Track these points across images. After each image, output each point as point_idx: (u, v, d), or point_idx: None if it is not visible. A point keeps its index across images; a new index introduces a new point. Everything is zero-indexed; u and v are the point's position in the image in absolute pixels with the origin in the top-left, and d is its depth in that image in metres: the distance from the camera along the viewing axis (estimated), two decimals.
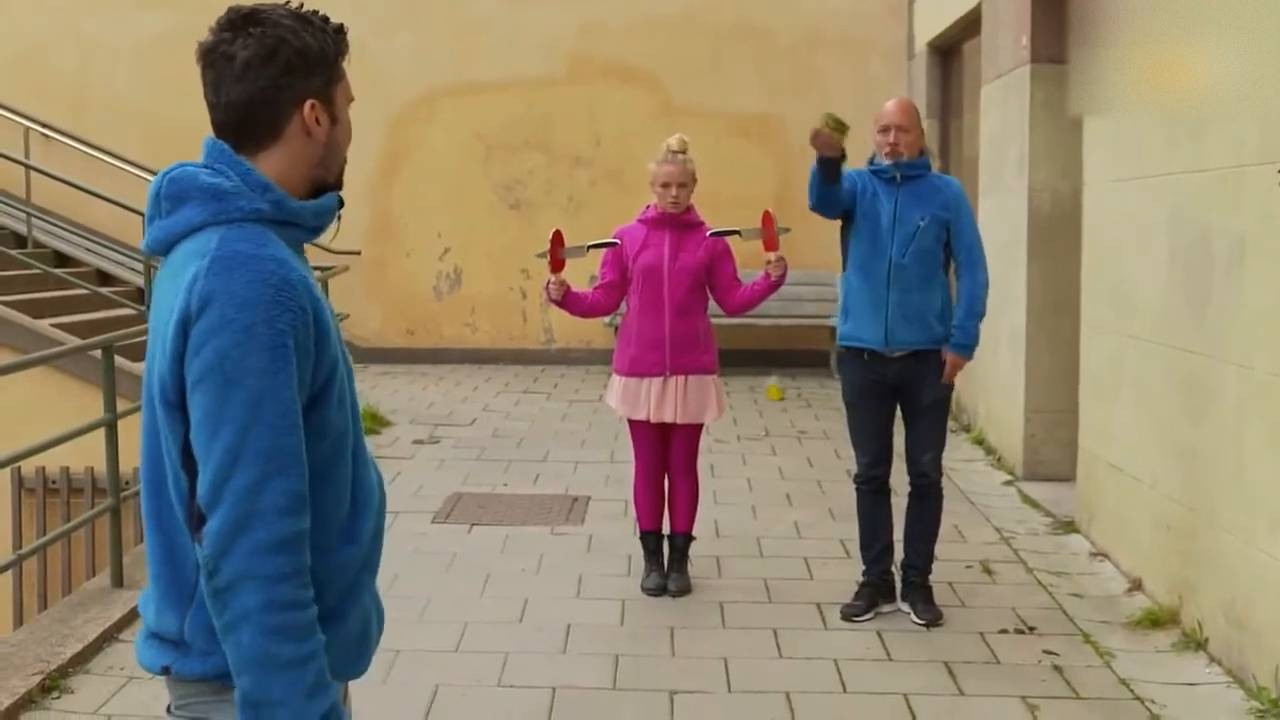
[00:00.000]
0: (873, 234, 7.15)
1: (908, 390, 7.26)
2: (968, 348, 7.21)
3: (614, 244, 7.71)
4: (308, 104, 2.79)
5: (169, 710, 2.84)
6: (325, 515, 2.73)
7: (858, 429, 7.44)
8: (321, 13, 2.84)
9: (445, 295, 17.45)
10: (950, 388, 7.36)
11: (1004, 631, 7.16)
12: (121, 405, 7.96)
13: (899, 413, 7.39)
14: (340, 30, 2.85)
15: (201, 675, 2.73)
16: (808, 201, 7.15)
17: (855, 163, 7.12)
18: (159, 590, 2.78)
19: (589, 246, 7.65)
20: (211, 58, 2.78)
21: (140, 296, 14.35)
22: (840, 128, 6.78)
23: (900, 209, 7.12)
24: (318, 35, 2.79)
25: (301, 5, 2.85)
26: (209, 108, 2.80)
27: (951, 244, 7.17)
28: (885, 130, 7.16)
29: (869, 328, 7.14)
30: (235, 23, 2.78)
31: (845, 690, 6.39)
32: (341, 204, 2.93)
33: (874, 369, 7.23)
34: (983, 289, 7.21)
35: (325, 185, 2.87)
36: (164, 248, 2.77)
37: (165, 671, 2.76)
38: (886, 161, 7.16)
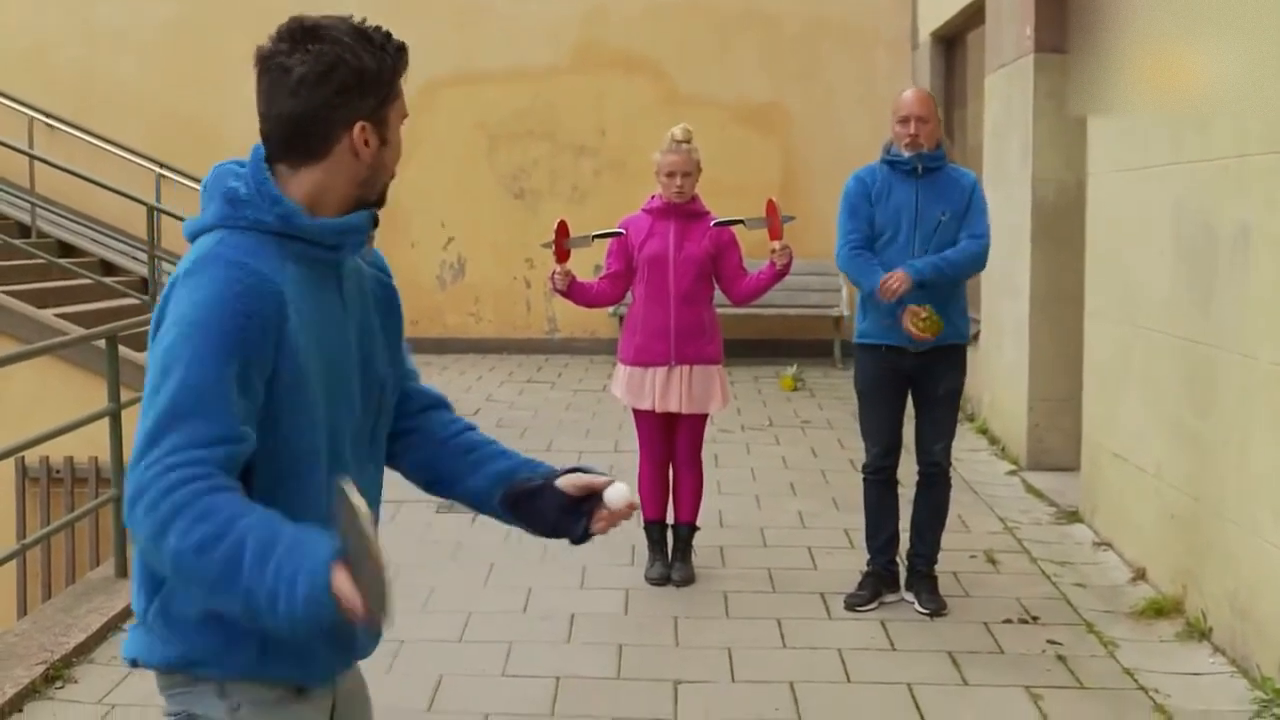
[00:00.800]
0: (894, 231, 7.11)
1: (923, 381, 7.23)
2: (917, 270, 6.96)
3: (619, 234, 7.70)
4: (358, 126, 2.76)
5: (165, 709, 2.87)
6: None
7: (870, 418, 7.40)
8: (384, 29, 2.80)
9: (449, 285, 17.44)
10: (963, 378, 7.34)
11: (1008, 621, 7.16)
12: (125, 395, 7.97)
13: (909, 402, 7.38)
14: (401, 49, 2.81)
15: (164, 663, 2.75)
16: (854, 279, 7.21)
17: (865, 155, 7.10)
18: (136, 571, 2.79)
19: (594, 236, 7.64)
20: (267, 66, 2.75)
21: (144, 286, 14.35)
22: (932, 327, 6.95)
23: (921, 204, 7.07)
24: (376, 55, 2.75)
25: (364, 20, 2.80)
26: (259, 115, 2.79)
27: (961, 229, 7.11)
28: (905, 121, 7.10)
29: (892, 326, 7.08)
30: (295, 35, 2.74)
31: (849, 680, 6.40)
32: (376, 222, 2.90)
33: (891, 360, 7.19)
34: (970, 256, 7.08)
35: (365, 203, 2.85)
36: (190, 239, 2.80)
37: (134, 664, 2.79)
38: (907, 153, 7.11)
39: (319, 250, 2.80)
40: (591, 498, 3.00)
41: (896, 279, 6.92)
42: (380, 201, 2.88)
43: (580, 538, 3.04)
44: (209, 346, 2.57)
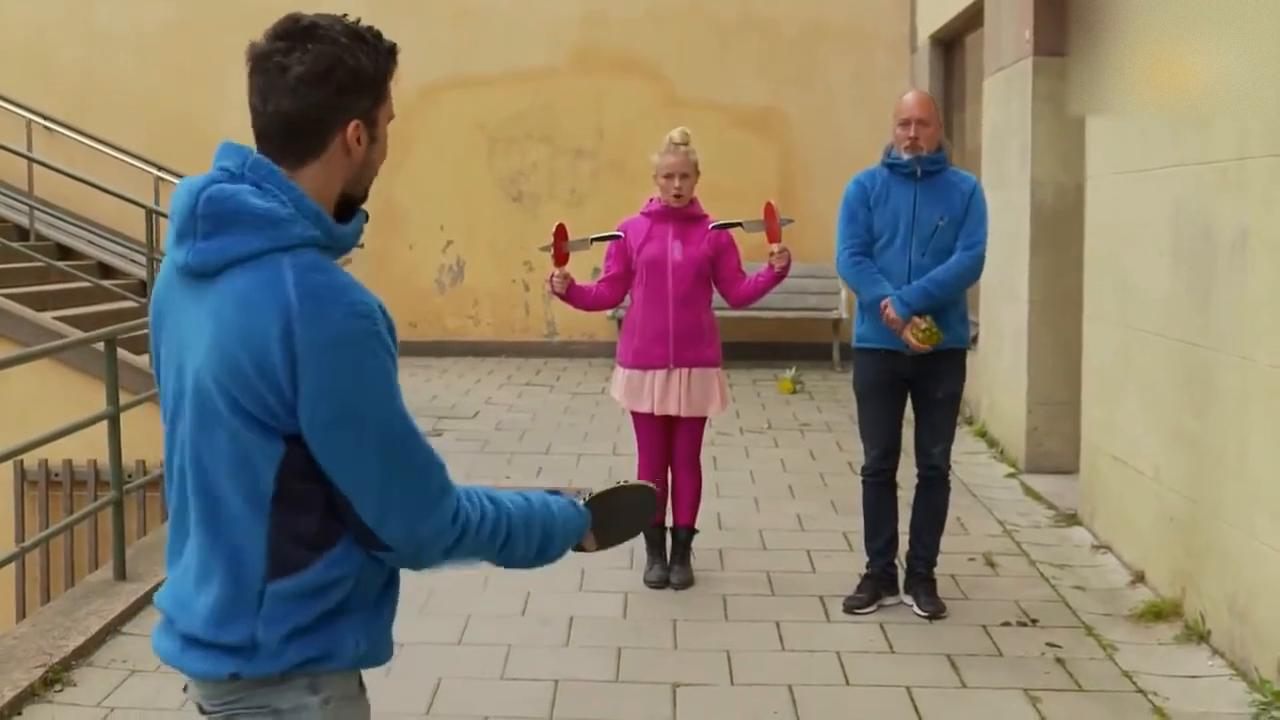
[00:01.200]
0: (890, 234, 7.12)
1: (922, 384, 7.24)
2: (906, 305, 6.98)
3: (617, 237, 7.71)
4: (352, 124, 2.78)
5: (201, 710, 2.86)
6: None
7: (869, 421, 7.41)
8: (375, 29, 2.81)
9: (448, 288, 17.45)
10: (963, 382, 7.34)
11: (1006, 624, 7.16)
12: (124, 398, 7.98)
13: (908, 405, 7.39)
14: (392, 50, 2.84)
15: (272, 673, 2.76)
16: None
17: (863, 158, 7.10)
18: (219, 602, 2.76)
19: (592, 239, 7.65)
20: (263, 65, 2.74)
21: (142, 289, 14.33)
22: (931, 338, 6.99)
23: (919, 207, 7.08)
24: (371, 55, 2.77)
25: (359, 21, 2.81)
26: (253, 113, 2.78)
27: (959, 235, 7.11)
28: (905, 124, 7.10)
29: (889, 330, 7.11)
30: (292, 34, 2.74)
31: (848, 683, 6.40)
32: (366, 217, 2.92)
33: (890, 363, 7.20)
34: (961, 271, 7.08)
35: (352, 200, 2.87)
36: (213, 270, 2.72)
37: (234, 677, 2.76)
38: (906, 156, 7.12)
39: (338, 253, 2.84)
40: None
41: (888, 316, 7.03)
42: (364, 198, 2.92)
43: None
44: (383, 383, 2.74)
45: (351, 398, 2.66)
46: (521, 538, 3.04)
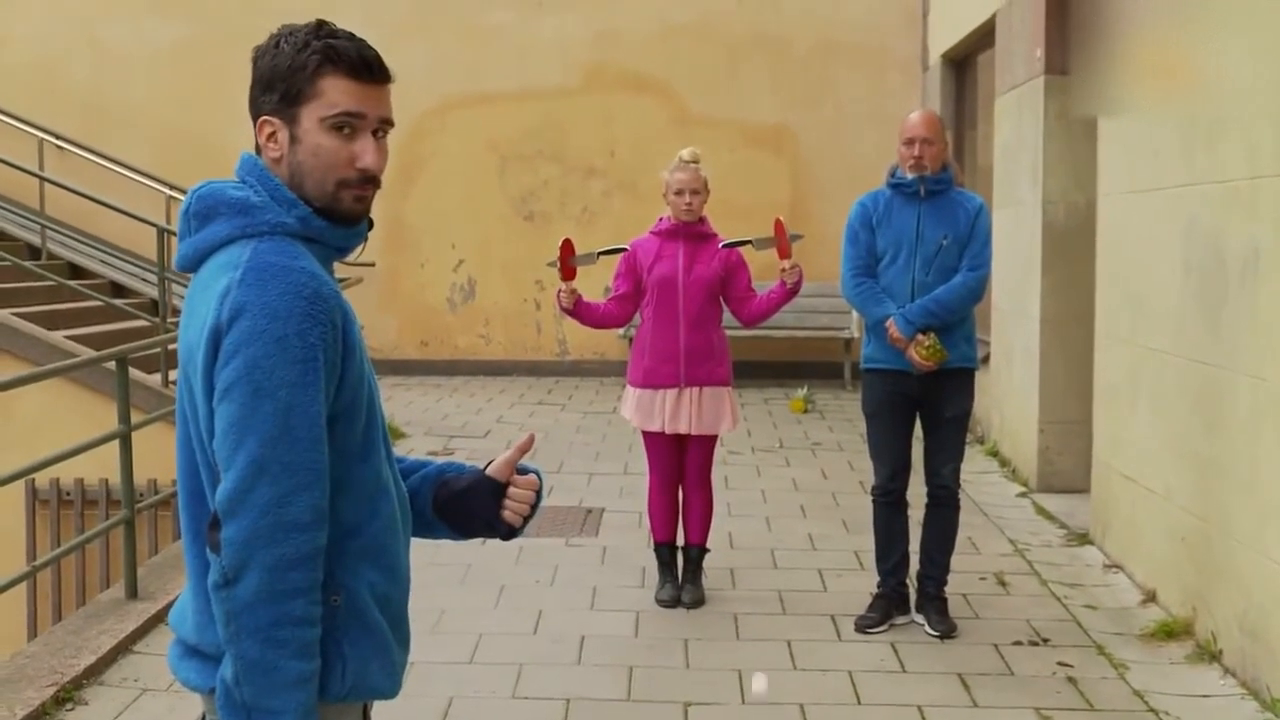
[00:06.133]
0: (894, 253, 7.14)
1: (931, 404, 7.25)
2: (909, 324, 7.02)
3: (623, 249, 7.73)
4: (260, 120, 2.79)
5: None
6: (345, 530, 2.72)
7: (878, 441, 7.41)
8: (325, 28, 2.78)
9: (459, 306, 17.46)
10: (971, 401, 7.35)
11: (1018, 643, 7.15)
12: (135, 417, 7.98)
13: (917, 425, 7.39)
14: (321, 50, 2.74)
15: None
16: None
17: (875, 177, 7.11)
18: (200, 603, 2.75)
19: (599, 253, 7.68)
20: None
21: (154, 308, 14.35)
22: (935, 355, 7.02)
23: (923, 226, 7.09)
24: (289, 53, 2.75)
25: (315, 21, 2.80)
26: None
27: (963, 256, 7.12)
28: (910, 143, 7.11)
29: (897, 352, 7.11)
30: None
31: (859, 702, 6.39)
32: (371, 225, 2.88)
33: (898, 383, 7.20)
34: (964, 293, 7.09)
35: (320, 210, 2.78)
36: (194, 263, 2.77)
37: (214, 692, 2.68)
38: (910, 175, 7.13)
39: (329, 251, 2.83)
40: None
41: (891, 335, 7.06)
42: (325, 209, 2.79)
43: (508, 534, 3.09)
44: (302, 369, 2.60)
45: (259, 367, 2.56)
46: (255, 652, 2.57)
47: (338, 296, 2.68)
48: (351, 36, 2.79)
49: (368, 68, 2.77)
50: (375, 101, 2.79)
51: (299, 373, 2.58)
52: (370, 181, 2.80)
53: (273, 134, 2.78)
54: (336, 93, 2.74)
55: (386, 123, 2.82)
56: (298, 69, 2.74)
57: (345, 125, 2.75)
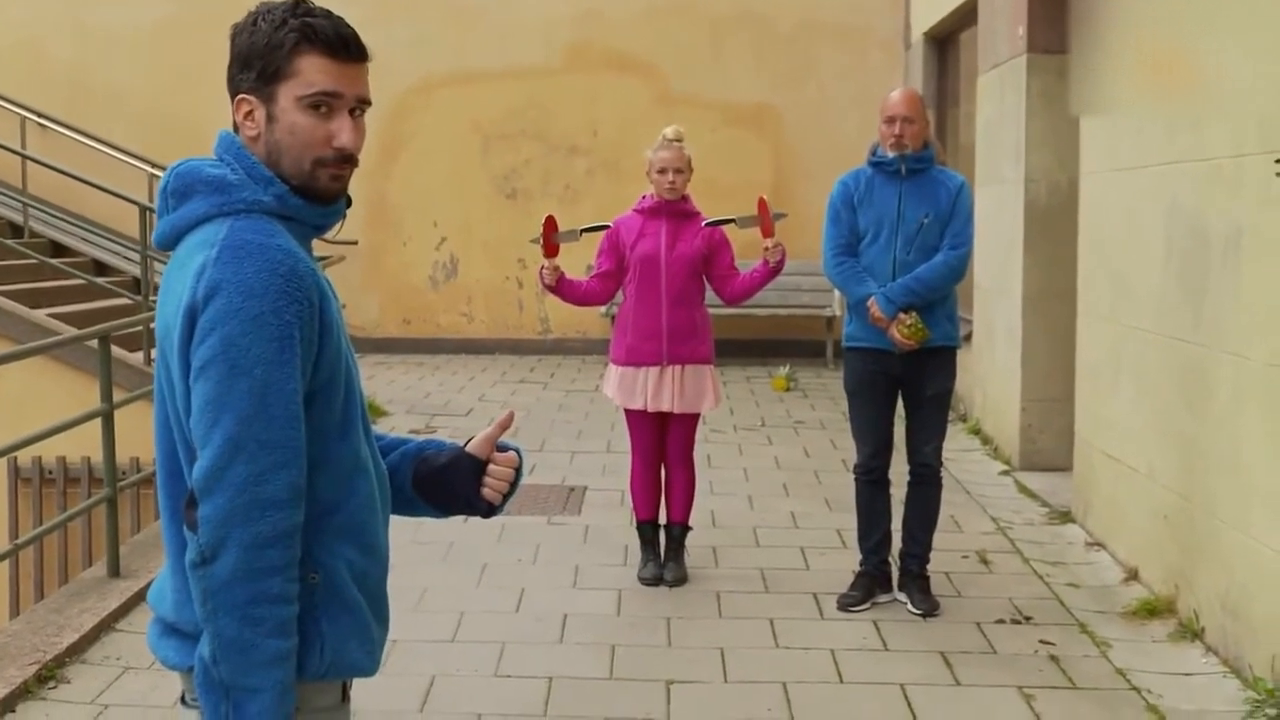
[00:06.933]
0: (875, 232, 7.14)
1: (912, 382, 7.25)
2: (890, 302, 7.03)
3: (606, 227, 7.74)
4: (237, 99, 2.79)
5: (184, 701, 2.81)
6: (323, 508, 2.71)
7: (859, 419, 7.42)
8: (317, 9, 2.77)
9: (441, 285, 17.44)
10: (953, 380, 7.36)
11: (1000, 621, 7.16)
12: (118, 395, 7.96)
13: (899, 403, 7.40)
14: (299, 28, 2.72)
15: None
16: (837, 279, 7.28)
17: (857, 155, 7.11)
18: (178, 581, 2.74)
19: (582, 230, 7.68)
20: None
21: (136, 286, 14.32)
22: (917, 334, 7.03)
23: (904, 205, 7.09)
24: (265, 31, 2.73)
25: (309, 4, 2.78)
26: None
27: (944, 234, 7.12)
28: (890, 121, 7.11)
29: (879, 329, 7.11)
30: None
31: (842, 680, 6.40)
32: (349, 203, 2.88)
33: (880, 361, 7.21)
34: (945, 271, 7.08)
35: (296, 188, 2.77)
36: (171, 242, 2.77)
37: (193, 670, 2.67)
38: (891, 154, 7.12)
39: (306, 229, 2.81)
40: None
41: (873, 314, 7.07)
42: (302, 188, 2.77)
43: (487, 511, 3.08)
44: (278, 346, 2.58)
45: (235, 344, 2.55)
46: (233, 628, 2.55)
47: (314, 274, 2.67)
48: (329, 14, 2.76)
49: (345, 46, 2.75)
50: (352, 80, 2.77)
51: (275, 350, 2.56)
52: (347, 160, 2.78)
53: (250, 112, 2.77)
54: (313, 71, 2.73)
55: (364, 102, 2.79)
56: (275, 47, 2.72)
57: (322, 104, 2.74)
